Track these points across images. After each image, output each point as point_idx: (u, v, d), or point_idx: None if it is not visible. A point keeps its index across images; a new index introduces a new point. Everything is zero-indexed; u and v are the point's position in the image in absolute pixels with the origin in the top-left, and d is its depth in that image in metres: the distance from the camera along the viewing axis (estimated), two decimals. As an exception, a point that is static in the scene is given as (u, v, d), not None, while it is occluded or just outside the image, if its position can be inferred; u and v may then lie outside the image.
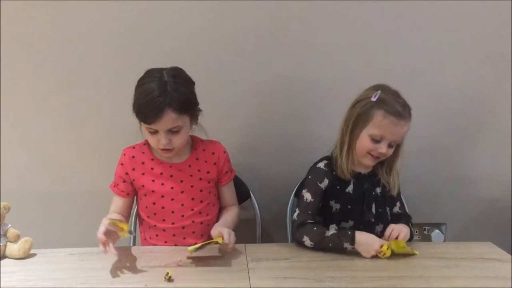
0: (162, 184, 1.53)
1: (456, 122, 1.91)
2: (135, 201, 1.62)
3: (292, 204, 1.76)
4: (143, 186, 1.54)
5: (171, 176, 1.53)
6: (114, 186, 1.57)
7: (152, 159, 1.54)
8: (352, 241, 1.44)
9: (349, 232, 1.45)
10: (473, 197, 2.01)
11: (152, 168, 1.53)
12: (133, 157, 1.55)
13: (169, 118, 1.39)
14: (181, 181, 1.53)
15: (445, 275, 1.34)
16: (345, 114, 1.53)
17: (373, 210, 1.57)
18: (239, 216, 1.64)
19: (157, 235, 1.56)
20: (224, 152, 1.60)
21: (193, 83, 1.49)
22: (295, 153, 1.88)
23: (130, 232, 1.37)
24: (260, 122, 1.87)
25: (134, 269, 1.37)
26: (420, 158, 1.91)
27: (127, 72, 1.75)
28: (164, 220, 1.55)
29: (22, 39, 1.72)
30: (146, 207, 1.56)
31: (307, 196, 1.56)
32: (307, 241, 1.48)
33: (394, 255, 1.43)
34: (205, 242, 1.40)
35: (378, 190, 1.58)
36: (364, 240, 1.44)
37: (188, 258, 1.40)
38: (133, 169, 1.54)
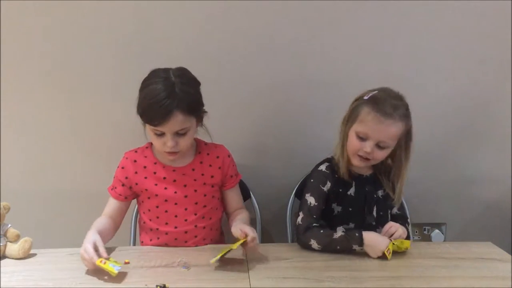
0: (166, 188, 1.51)
1: (456, 122, 1.91)
2: (133, 204, 1.61)
3: (292, 204, 1.76)
4: (146, 190, 1.52)
5: (174, 180, 1.52)
6: (112, 189, 1.55)
7: (155, 163, 1.52)
8: (361, 242, 1.44)
9: (357, 234, 1.45)
10: (473, 197, 2.01)
11: (155, 172, 1.52)
12: (135, 161, 1.53)
13: (177, 120, 1.37)
14: (185, 186, 1.52)
15: (445, 275, 1.34)
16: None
17: (374, 213, 1.57)
18: (250, 218, 1.62)
19: (158, 238, 1.56)
20: (229, 156, 1.59)
21: (199, 83, 1.47)
22: (295, 153, 1.88)
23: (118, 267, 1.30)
24: (260, 122, 1.86)
25: (134, 269, 1.37)
26: (420, 159, 1.89)
27: (129, 72, 1.76)
28: (167, 223, 1.54)
29: (22, 39, 1.72)
30: (149, 210, 1.55)
31: (311, 200, 1.55)
32: (314, 244, 1.48)
33: (394, 253, 1.44)
34: (225, 251, 1.36)
35: (380, 192, 1.57)
36: (371, 241, 1.44)
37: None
38: (136, 172, 1.52)
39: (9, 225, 1.46)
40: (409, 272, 1.36)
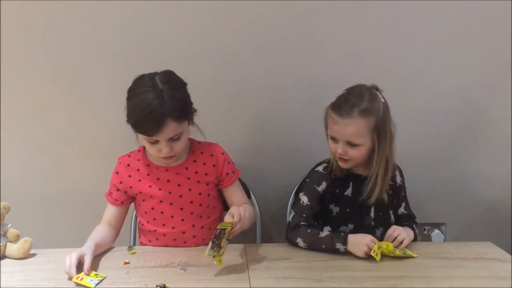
0: (160, 189, 1.51)
1: (456, 122, 1.91)
2: (131, 208, 1.61)
3: (292, 204, 1.76)
4: (140, 192, 1.52)
5: (168, 181, 1.51)
6: (109, 195, 1.55)
7: (148, 165, 1.52)
8: (345, 241, 1.44)
9: (342, 234, 1.46)
10: (473, 197, 2.01)
11: (148, 174, 1.52)
12: (128, 165, 1.53)
13: (171, 128, 1.36)
14: (179, 185, 1.51)
15: (445, 275, 1.34)
16: None
17: (372, 213, 1.57)
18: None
19: (157, 239, 1.56)
20: (223, 153, 1.57)
21: (185, 84, 1.45)
22: (295, 154, 1.88)
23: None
24: (260, 122, 1.86)
25: (134, 269, 1.37)
26: (420, 158, 1.91)
27: (128, 73, 1.75)
28: (164, 224, 1.54)
29: (22, 39, 1.72)
30: (146, 212, 1.55)
31: (304, 199, 1.56)
32: (300, 242, 1.50)
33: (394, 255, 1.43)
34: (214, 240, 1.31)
35: (369, 193, 1.54)
36: (354, 239, 1.44)
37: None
38: (129, 175, 1.52)
39: (9, 225, 1.46)
40: (409, 272, 1.36)
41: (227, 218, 1.35)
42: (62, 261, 1.30)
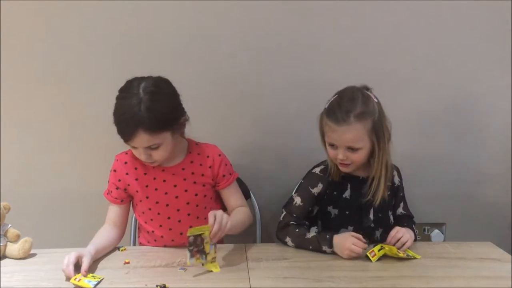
0: (156, 189, 1.51)
1: (456, 122, 1.91)
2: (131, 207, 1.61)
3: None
4: (137, 191, 1.52)
5: (164, 181, 1.51)
6: (108, 194, 1.55)
7: (145, 164, 1.50)
8: (330, 244, 1.44)
9: (327, 236, 1.46)
10: (473, 197, 2.01)
11: (145, 173, 1.51)
12: (126, 162, 1.53)
13: (143, 139, 1.36)
14: (175, 186, 1.51)
15: (445, 275, 1.34)
16: None
17: (371, 215, 1.57)
18: (250, 216, 1.59)
19: (155, 240, 1.56)
20: (219, 155, 1.56)
21: (175, 96, 1.43)
22: (295, 154, 1.88)
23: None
24: (260, 122, 1.86)
25: (134, 269, 1.37)
26: (420, 159, 1.92)
27: (128, 73, 1.75)
28: (161, 225, 1.53)
29: (22, 39, 1.72)
30: (143, 212, 1.55)
31: (297, 200, 1.57)
32: (289, 241, 1.51)
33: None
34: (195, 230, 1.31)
35: (370, 195, 1.54)
36: (338, 241, 1.44)
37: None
38: (127, 173, 1.52)
39: (9, 225, 1.46)
40: (409, 272, 1.36)
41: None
42: (62, 261, 1.30)
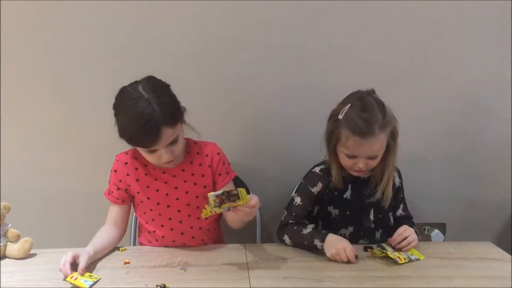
0: (157, 190, 1.50)
1: (456, 122, 1.91)
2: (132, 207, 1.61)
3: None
4: (138, 192, 1.52)
5: (165, 182, 1.50)
6: (109, 194, 1.54)
7: (145, 165, 1.50)
8: (323, 239, 1.44)
9: (324, 231, 1.47)
10: (473, 197, 2.01)
11: (146, 174, 1.50)
12: (126, 163, 1.52)
13: (167, 135, 1.34)
14: (176, 188, 1.50)
15: (445, 275, 1.34)
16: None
17: (372, 216, 1.57)
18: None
19: (157, 240, 1.55)
20: (218, 153, 1.55)
21: (168, 86, 1.41)
22: (295, 153, 1.87)
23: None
24: (261, 122, 1.86)
25: (134, 269, 1.37)
26: (420, 158, 1.91)
27: (128, 72, 1.75)
28: (162, 226, 1.53)
29: (22, 40, 1.72)
30: (144, 212, 1.55)
31: (297, 199, 1.58)
32: (287, 239, 1.52)
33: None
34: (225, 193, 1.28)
35: (377, 195, 1.55)
36: (331, 239, 1.44)
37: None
38: (127, 174, 1.51)
39: (9, 225, 1.46)
40: (409, 272, 1.36)
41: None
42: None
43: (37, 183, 1.88)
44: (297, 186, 1.61)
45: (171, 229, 1.53)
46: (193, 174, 1.52)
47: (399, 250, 1.45)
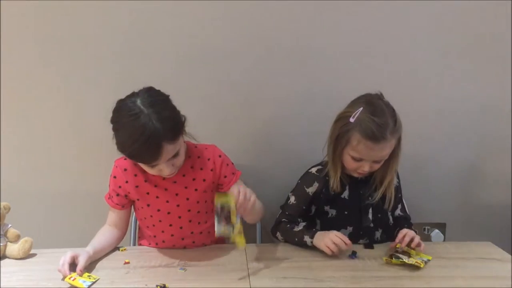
0: (157, 197, 1.48)
1: (456, 122, 1.90)
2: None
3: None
4: (138, 199, 1.50)
5: (165, 189, 1.48)
6: (109, 198, 1.53)
7: (144, 172, 1.45)
8: (313, 235, 1.46)
9: (314, 229, 1.50)
10: (473, 197, 2.01)
11: (145, 180, 1.48)
12: (125, 169, 1.49)
13: (168, 151, 1.31)
14: (176, 194, 1.48)
15: (445, 275, 1.34)
16: (330, 128, 1.51)
17: (370, 215, 1.57)
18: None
19: (157, 244, 1.55)
20: (220, 156, 1.52)
21: (168, 97, 1.37)
22: (295, 154, 1.87)
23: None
24: (260, 122, 1.86)
25: (134, 269, 1.37)
26: (420, 158, 1.91)
27: (129, 73, 1.76)
28: (163, 231, 1.52)
29: (22, 40, 1.72)
30: (145, 218, 1.54)
31: (292, 198, 1.60)
32: (279, 236, 1.57)
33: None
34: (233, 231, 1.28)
35: (376, 195, 1.55)
36: (320, 233, 1.46)
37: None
38: (126, 181, 1.49)
39: (9, 225, 1.46)
40: (409, 272, 1.36)
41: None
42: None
43: (37, 183, 1.87)
44: (294, 186, 1.62)
45: (172, 235, 1.52)
46: (194, 179, 1.50)
47: (409, 254, 1.43)
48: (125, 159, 1.50)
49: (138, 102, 1.29)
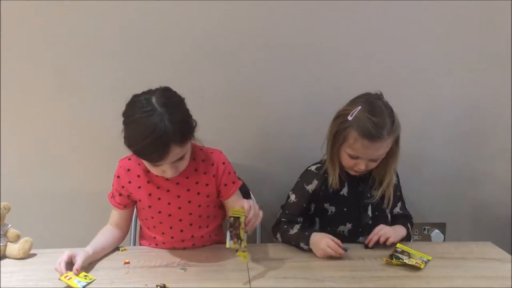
0: (159, 199, 1.48)
1: (456, 122, 1.90)
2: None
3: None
4: (140, 200, 1.50)
5: (168, 191, 1.47)
6: (112, 197, 1.53)
7: (148, 172, 1.44)
8: (307, 241, 1.46)
9: (306, 233, 1.48)
10: (473, 197, 2.01)
11: (148, 181, 1.47)
12: (129, 170, 1.49)
13: (175, 153, 1.30)
14: (178, 197, 1.47)
15: (445, 275, 1.34)
16: (329, 125, 1.52)
17: (369, 212, 1.57)
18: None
19: (156, 245, 1.55)
20: (224, 163, 1.51)
21: (183, 100, 1.36)
22: (295, 154, 1.87)
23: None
24: (261, 123, 1.86)
25: (134, 269, 1.37)
26: (420, 158, 1.91)
27: (129, 73, 1.76)
28: (163, 233, 1.52)
29: (22, 39, 1.72)
30: (146, 219, 1.54)
31: (292, 197, 1.60)
32: (278, 237, 1.57)
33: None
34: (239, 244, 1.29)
35: (375, 195, 1.56)
36: (314, 239, 1.46)
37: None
38: (129, 182, 1.49)
39: (9, 225, 1.46)
40: (409, 272, 1.36)
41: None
42: (60, 261, 1.31)
43: (37, 183, 1.88)
44: (294, 184, 1.63)
45: (172, 237, 1.52)
46: (197, 183, 1.48)
47: (409, 253, 1.44)
48: (129, 159, 1.50)
49: (153, 100, 1.29)
